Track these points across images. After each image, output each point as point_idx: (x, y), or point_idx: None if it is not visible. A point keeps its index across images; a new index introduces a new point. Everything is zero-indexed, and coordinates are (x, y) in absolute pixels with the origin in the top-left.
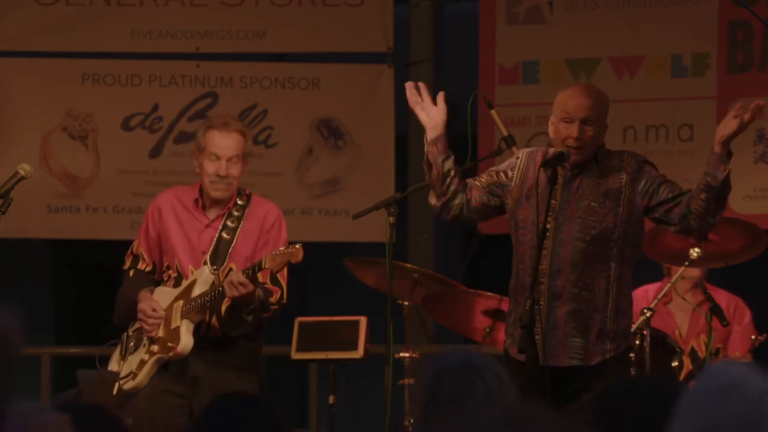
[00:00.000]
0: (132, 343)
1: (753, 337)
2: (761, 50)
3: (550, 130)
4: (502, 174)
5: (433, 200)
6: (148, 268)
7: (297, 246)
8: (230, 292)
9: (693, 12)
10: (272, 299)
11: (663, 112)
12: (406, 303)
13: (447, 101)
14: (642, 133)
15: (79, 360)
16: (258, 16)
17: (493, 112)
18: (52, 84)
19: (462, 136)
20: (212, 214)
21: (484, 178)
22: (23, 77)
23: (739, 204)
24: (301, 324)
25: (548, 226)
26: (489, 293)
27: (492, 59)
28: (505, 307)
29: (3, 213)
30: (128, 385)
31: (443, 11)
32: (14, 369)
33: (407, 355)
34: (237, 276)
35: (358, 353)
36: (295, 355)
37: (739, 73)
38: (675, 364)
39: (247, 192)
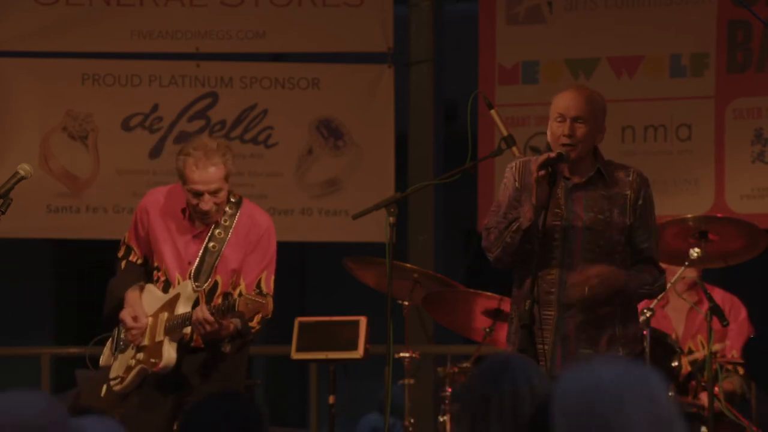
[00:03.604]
0: (122, 341)
1: (752, 337)
2: (760, 50)
3: (548, 133)
4: (515, 201)
5: (495, 254)
6: (140, 261)
7: (268, 298)
8: (197, 330)
9: (692, 12)
10: (252, 323)
11: (662, 112)
12: (406, 303)
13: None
14: (641, 132)
15: (79, 360)
16: (258, 16)
17: (493, 112)
18: (52, 84)
19: (462, 137)
20: (200, 224)
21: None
22: (23, 77)
23: (737, 203)
24: (301, 324)
25: (557, 235)
26: (489, 293)
27: (492, 59)
28: (505, 307)
29: (3, 213)
30: (117, 387)
31: (443, 11)
32: None
33: (407, 355)
34: (203, 313)
35: (358, 353)
36: (295, 355)
37: (738, 72)
38: (675, 364)
39: (237, 196)
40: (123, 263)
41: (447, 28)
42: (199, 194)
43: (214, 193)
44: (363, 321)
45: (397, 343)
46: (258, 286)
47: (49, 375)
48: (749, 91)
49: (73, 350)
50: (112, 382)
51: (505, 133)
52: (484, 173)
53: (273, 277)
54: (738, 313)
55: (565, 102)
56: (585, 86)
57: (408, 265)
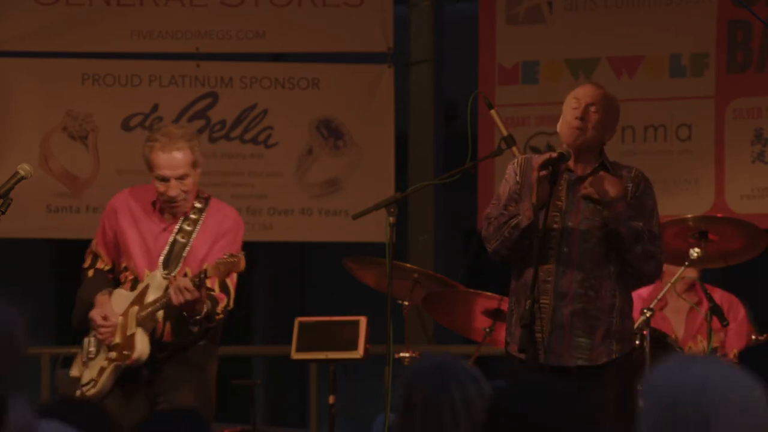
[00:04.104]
0: (93, 348)
1: (753, 337)
2: (760, 50)
3: (559, 125)
4: (515, 194)
5: (493, 247)
6: (107, 267)
7: (239, 255)
8: (176, 297)
9: (692, 12)
10: (218, 308)
11: (661, 112)
12: (406, 303)
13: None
14: (641, 132)
15: None
16: (258, 16)
17: (493, 112)
18: (52, 84)
19: (462, 137)
20: (169, 217)
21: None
22: (23, 77)
23: (737, 203)
24: (301, 324)
25: (555, 225)
26: (489, 293)
27: (492, 59)
28: (505, 307)
29: (3, 213)
30: (90, 392)
31: (443, 11)
32: (17, 365)
33: (407, 355)
34: (183, 281)
35: (358, 353)
36: (295, 355)
37: (738, 72)
38: None
39: (206, 195)
40: (90, 272)
41: (447, 28)
42: (165, 179)
43: (180, 178)
44: (363, 321)
45: (397, 343)
46: (220, 280)
47: (49, 375)
48: (749, 91)
49: (74, 350)
50: (84, 388)
51: (505, 133)
52: (484, 173)
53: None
54: (737, 312)
55: (582, 90)
56: (602, 85)
57: (408, 265)
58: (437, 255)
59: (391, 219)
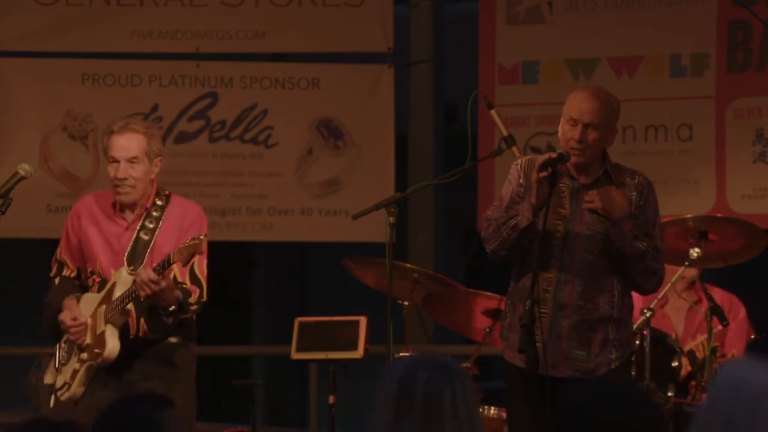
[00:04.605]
0: (65, 353)
1: (753, 336)
2: (760, 50)
3: (559, 131)
4: (517, 196)
5: (492, 247)
6: (73, 274)
7: (201, 237)
8: (141, 291)
9: (692, 12)
10: (191, 299)
11: (662, 112)
12: (406, 303)
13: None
14: (641, 132)
15: None
16: (258, 16)
17: (493, 112)
18: (52, 84)
19: (462, 137)
20: (130, 216)
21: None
22: (23, 77)
23: (737, 203)
24: (301, 324)
25: (558, 233)
26: (489, 293)
27: (492, 59)
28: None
29: (3, 213)
30: (64, 396)
31: (443, 11)
32: None
33: (407, 355)
34: (146, 273)
35: (358, 353)
36: (295, 355)
37: (738, 72)
38: (675, 364)
39: (167, 192)
40: (57, 279)
41: (447, 28)
42: (116, 161)
43: (131, 161)
44: (363, 321)
45: (397, 343)
46: (191, 270)
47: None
48: (749, 91)
49: None
50: (59, 392)
51: (505, 133)
52: (484, 173)
53: (206, 262)
54: (737, 312)
55: (579, 105)
56: (601, 89)
57: (408, 265)
58: (437, 255)
59: (391, 219)
